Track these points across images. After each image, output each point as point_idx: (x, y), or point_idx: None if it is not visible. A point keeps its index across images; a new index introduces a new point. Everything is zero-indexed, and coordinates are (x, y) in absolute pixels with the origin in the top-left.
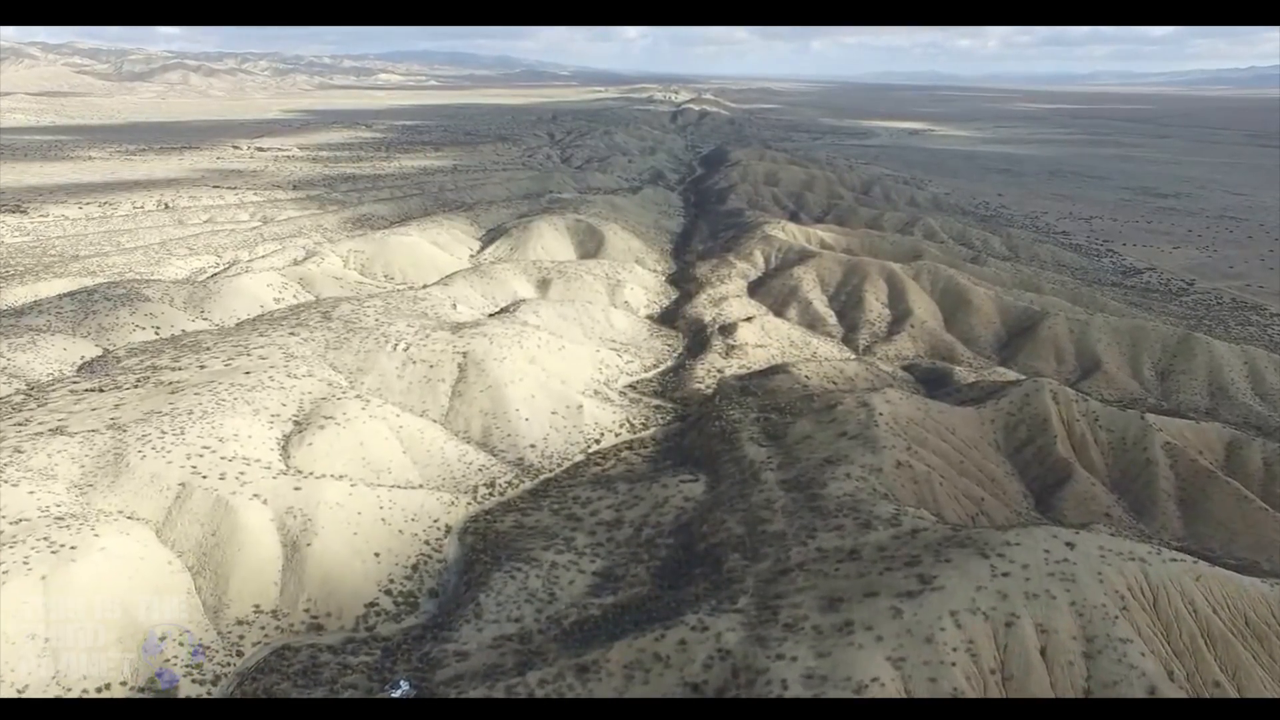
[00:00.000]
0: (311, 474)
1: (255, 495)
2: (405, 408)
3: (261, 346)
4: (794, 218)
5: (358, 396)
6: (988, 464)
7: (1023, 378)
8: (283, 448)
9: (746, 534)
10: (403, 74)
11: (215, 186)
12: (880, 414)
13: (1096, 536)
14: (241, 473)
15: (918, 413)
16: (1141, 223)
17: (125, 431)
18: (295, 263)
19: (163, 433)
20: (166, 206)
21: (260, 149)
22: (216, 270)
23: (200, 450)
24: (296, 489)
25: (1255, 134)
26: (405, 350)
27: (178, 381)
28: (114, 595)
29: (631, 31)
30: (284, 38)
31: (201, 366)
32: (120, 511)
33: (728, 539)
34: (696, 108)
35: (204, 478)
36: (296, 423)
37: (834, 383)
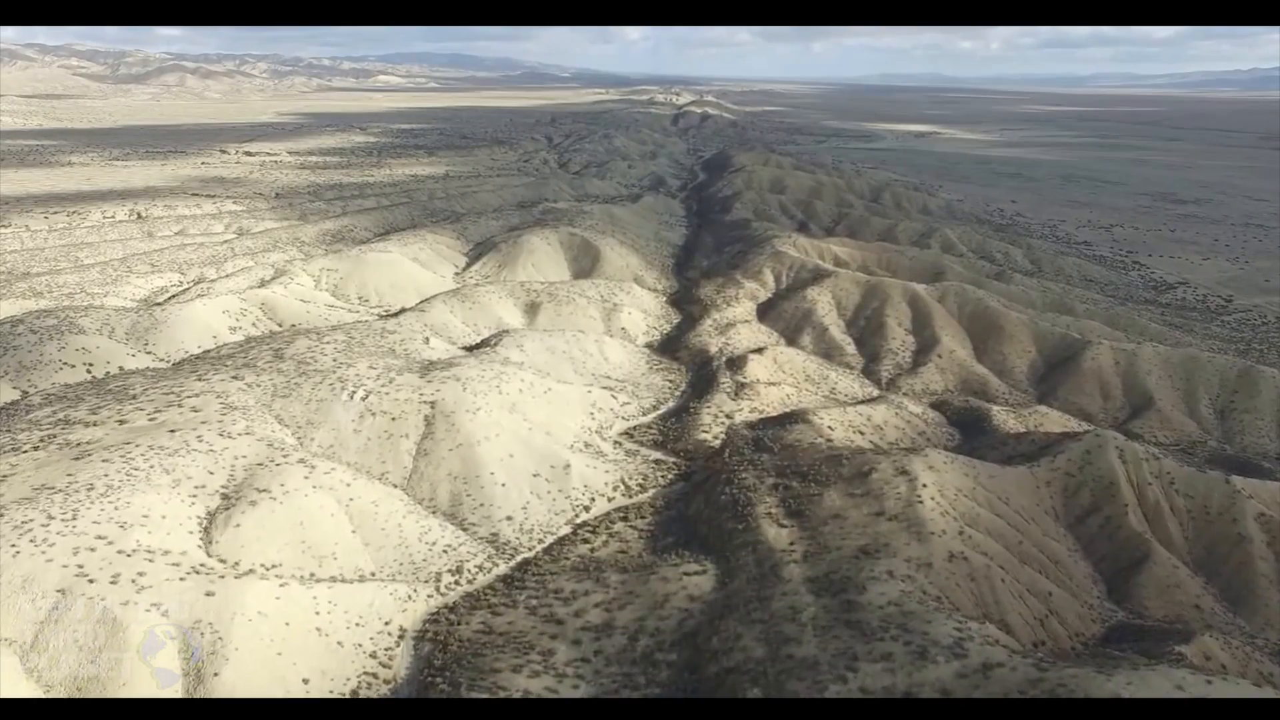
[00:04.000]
0: (236, 566)
1: (154, 605)
2: (361, 469)
3: (197, 394)
4: (803, 228)
5: (301, 461)
6: (1049, 542)
7: (1080, 429)
8: (204, 530)
9: (768, 658)
10: (402, 76)
11: (194, 194)
12: (924, 485)
13: (1236, 687)
14: (141, 573)
15: (966, 480)
16: (1164, 231)
17: (0, 517)
18: (262, 283)
19: (50, 518)
20: (139, 216)
21: (249, 154)
22: (180, 289)
23: (93, 541)
24: (209, 594)
25: (1266, 136)
26: (364, 399)
27: (87, 443)
28: None
29: (633, 33)
30: (284, 39)
31: (121, 421)
32: None
33: (744, 663)
34: (698, 110)
35: (91, 581)
36: (225, 496)
37: (860, 432)
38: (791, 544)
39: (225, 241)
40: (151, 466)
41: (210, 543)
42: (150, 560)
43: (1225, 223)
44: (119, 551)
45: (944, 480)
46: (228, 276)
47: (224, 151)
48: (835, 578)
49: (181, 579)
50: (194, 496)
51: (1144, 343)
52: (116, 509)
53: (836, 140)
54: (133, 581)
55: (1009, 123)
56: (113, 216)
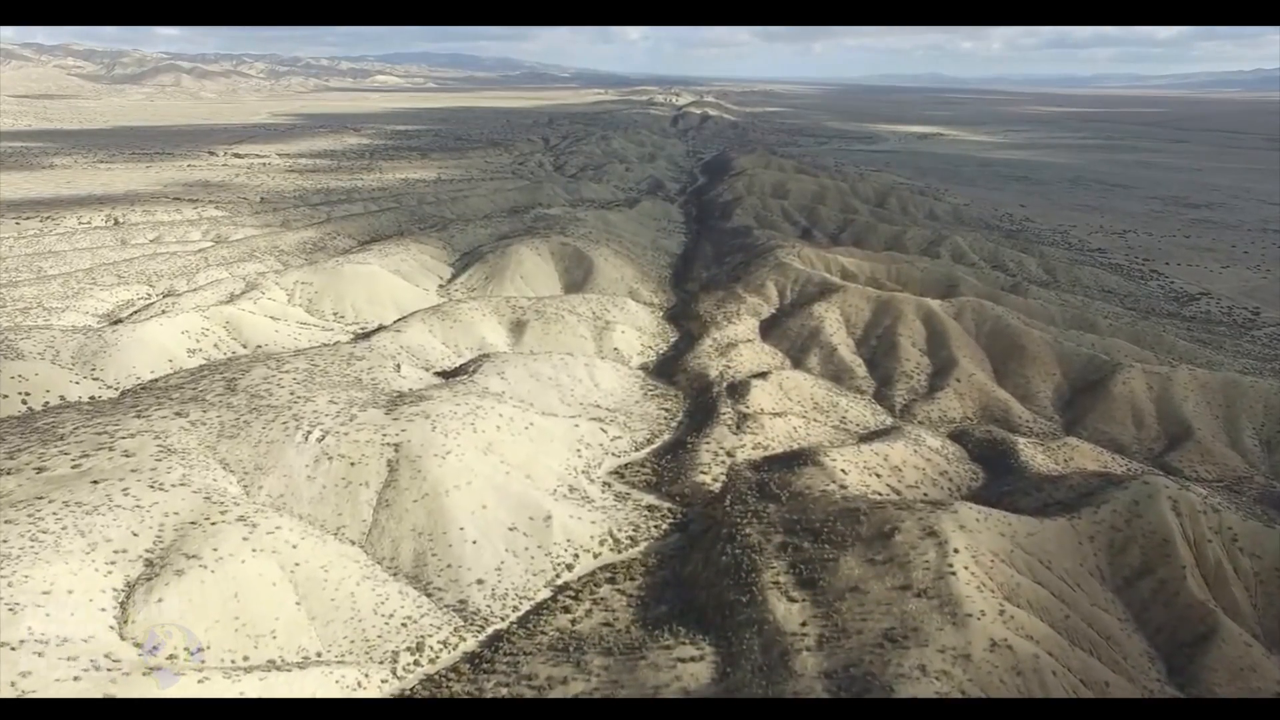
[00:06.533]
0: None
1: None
2: (315, 523)
3: (132, 435)
4: (806, 235)
5: (241, 519)
6: (1098, 614)
7: (1117, 464)
8: (121, 605)
9: None
10: (401, 76)
11: (175, 199)
12: (955, 550)
13: None
14: (25, 673)
15: (1003, 541)
16: (1179, 237)
17: None
18: (231, 298)
19: None
20: (116, 222)
21: (238, 156)
22: (146, 303)
23: None
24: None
25: (1271, 138)
26: (320, 441)
27: None
28: None
29: (633, 33)
30: (283, 39)
31: (40, 469)
32: None
33: None
34: (698, 111)
35: None
36: (149, 563)
37: (877, 474)
38: (803, 624)
39: (200, 251)
40: (64, 528)
41: (126, 621)
42: (40, 654)
43: (1241, 228)
44: (2, 644)
45: (977, 543)
46: (196, 290)
47: (212, 154)
48: (856, 673)
49: (76, 679)
50: (111, 564)
51: (1178, 365)
52: (11, 586)
53: (839, 142)
54: (12, 685)
55: (1012, 124)
56: (88, 222)
